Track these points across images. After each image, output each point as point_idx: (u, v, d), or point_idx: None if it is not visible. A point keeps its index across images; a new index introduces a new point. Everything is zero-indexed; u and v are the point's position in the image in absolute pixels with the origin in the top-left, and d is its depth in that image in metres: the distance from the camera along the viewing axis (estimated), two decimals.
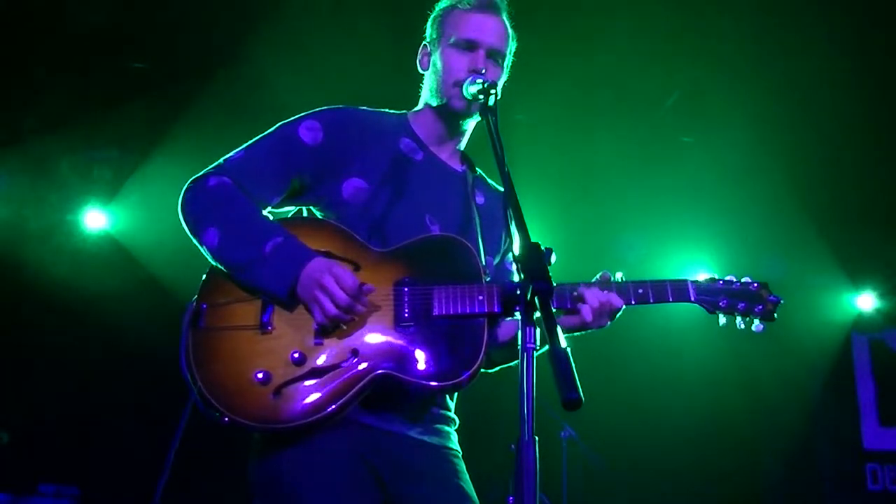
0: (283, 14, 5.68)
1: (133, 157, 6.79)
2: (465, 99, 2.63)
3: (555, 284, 2.32)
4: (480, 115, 2.65)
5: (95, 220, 6.94)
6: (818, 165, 6.77)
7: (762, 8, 5.58)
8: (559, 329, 1.93)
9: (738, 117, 6.29)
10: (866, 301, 7.93)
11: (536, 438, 1.91)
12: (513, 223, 2.20)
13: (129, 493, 6.22)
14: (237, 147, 2.68)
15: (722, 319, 2.67)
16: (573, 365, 1.88)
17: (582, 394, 1.82)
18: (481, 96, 2.54)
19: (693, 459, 7.22)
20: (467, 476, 2.62)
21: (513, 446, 1.91)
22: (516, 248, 2.15)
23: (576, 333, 2.61)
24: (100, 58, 6.12)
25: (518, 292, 2.06)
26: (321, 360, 2.38)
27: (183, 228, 2.58)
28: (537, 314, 1.98)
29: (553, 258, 2.10)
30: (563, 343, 1.89)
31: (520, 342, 2.01)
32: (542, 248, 2.09)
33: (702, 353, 7.05)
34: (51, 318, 6.51)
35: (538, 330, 1.99)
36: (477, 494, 2.61)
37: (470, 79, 2.60)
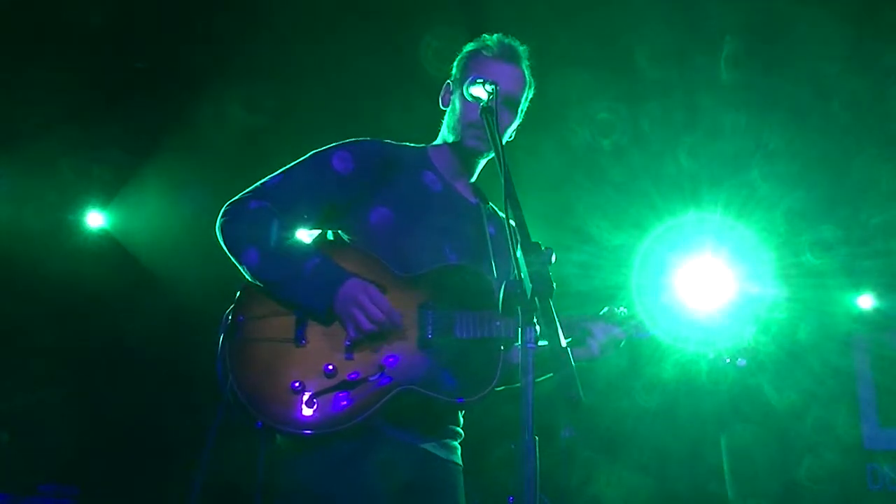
0: (285, 16, 5.67)
1: (133, 157, 6.79)
2: (480, 138, 2.84)
3: (563, 315, 2.51)
4: (480, 115, 2.69)
5: (95, 219, 6.94)
6: (816, 164, 6.77)
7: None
8: (559, 328, 1.95)
9: (732, 120, 6.29)
10: (866, 301, 7.92)
11: (537, 438, 1.93)
12: (513, 223, 2.23)
13: (129, 493, 6.22)
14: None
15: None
16: (573, 364, 1.89)
17: (582, 393, 1.83)
18: (482, 97, 2.60)
19: (690, 459, 7.21)
20: (463, 491, 2.80)
21: (513, 446, 1.92)
22: (516, 248, 2.17)
23: (583, 363, 2.80)
24: (100, 58, 6.12)
25: (518, 291, 2.09)
26: (352, 374, 2.57)
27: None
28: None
29: (553, 258, 2.12)
30: (563, 342, 1.92)
31: (520, 341, 2.03)
32: (543, 247, 2.12)
33: (700, 354, 7.03)
34: (51, 318, 6.50)
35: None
36: (477, 494, 2.68)
37: (470, 79, 2.66)
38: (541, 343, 2.05)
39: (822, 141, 6.56)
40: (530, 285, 2.06)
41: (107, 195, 6.92)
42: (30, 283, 6.45)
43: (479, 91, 2.61)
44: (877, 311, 7.94)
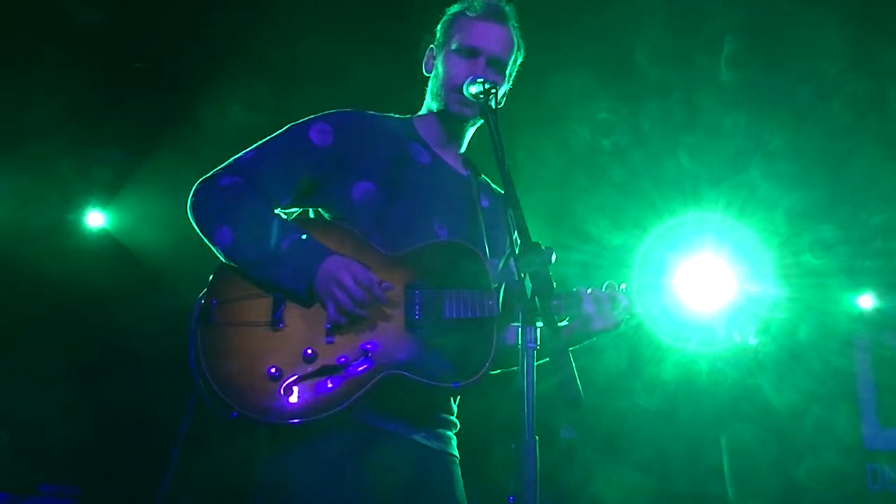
0: (285, 16, 5.67)
1: (133, 156, 6.79)
2: (465, 103, 2.67)
3: (561, 292, 2.40)
4: (480, 115, 2.68)
5: (95, 219, 6.94)
6: (816, 164, 6.77)
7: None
8: (559, 329, 1.94)
9: (732, 120, 6.30)
10: (866, 301, 7.92)
11: (537, 438, 1.92)
12: (513, 223, 2.23)
13: (129, 493, 6.22)
14: (237, 147, 2.70)
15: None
16: (573, 364, 1.89)
17: (582, 392, 1.83)
18: (482, 97, 2.56)
19: (690, 459, 7.21)
20: (462, 483, 2.67)
21: (513, 446, 1.92)
22: (516, 248, 2.17)
23: (586, 342, 2.71)
24: (100, 58, 6.12)
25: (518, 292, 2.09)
26: (333, 359, 2.42)
27: (185, 226, 2.60)
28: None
29: (553, 258, 2.11)
30: (564, 342, 1.91)
31: (520, 342, 2.03)
32: (543, 247, 2.11)
33: (700, 354, 7.04)
34: (51, 318, 6.50)
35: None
36: (477, 494, 2.64)
37: (470, 78, 2.63)
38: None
39: (822, 141, 6.56)
40: (530, 285, 2.05)
41: (107, 195, 6.92)
42: (30, 283, 6.45)
43: (479, 89, 2.55)
44: (877, 311, 7.94)
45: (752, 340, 2.67)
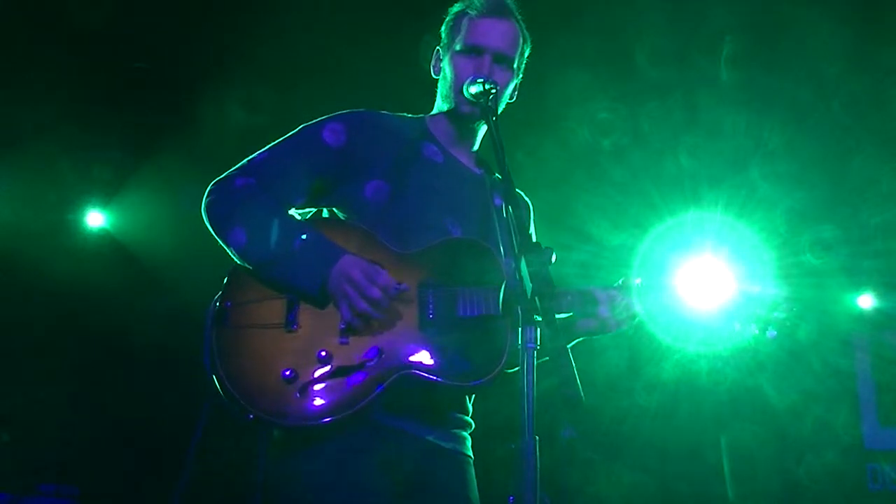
0: (285, 16, 5.67)
1: (133, 156, 6.79)
2: (472, 106, 2.67)
3: (572, 289, 2.49)
4: (481, 115, 2.68)
5: (95, 219, 6.94)
6: (816, 164, 6.77)
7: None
8: (559, 328, 1.95)
9: (732, 120, 6.30)
10: (866, 301, 7.92)
11: (537, 438, 1.92)
12: (513, 223, 2.24)
13: (129, 493, 6.22)
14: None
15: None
16: (573, 363, 1.89)
17: (582, 392, 1.83)
18: (482, 97, 2.57)
19: (690, 459, 7.21)
20: (475, 484, 2.67)
21: (513, 446, 1.92)
22: (517, 247, 2.18)
23: (595, 336, 2.72)
24: (100, 58, 6.12)
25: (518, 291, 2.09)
26: (347, 359, 2.42)
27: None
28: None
29: (553, 258, 2.11)
30: (563, 342, 1.91)
31: (520, 342, 2.03)
32: (543, 247, 2.11)
33: (700, 354, 7.03)
34: (51, 318, 6.50)
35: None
36: (478, 494, 2.64)
37: (470, 79, 2.63)
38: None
39: (822, 141, 6.56)
40: (530, 285, 2.05)
41: (107, 195, 6.92)
42: (30, 282, 6.45)
43: (479, 90, 2.55)
44: (877, 310, 7.93)
45: (771, 334, 2.66)
